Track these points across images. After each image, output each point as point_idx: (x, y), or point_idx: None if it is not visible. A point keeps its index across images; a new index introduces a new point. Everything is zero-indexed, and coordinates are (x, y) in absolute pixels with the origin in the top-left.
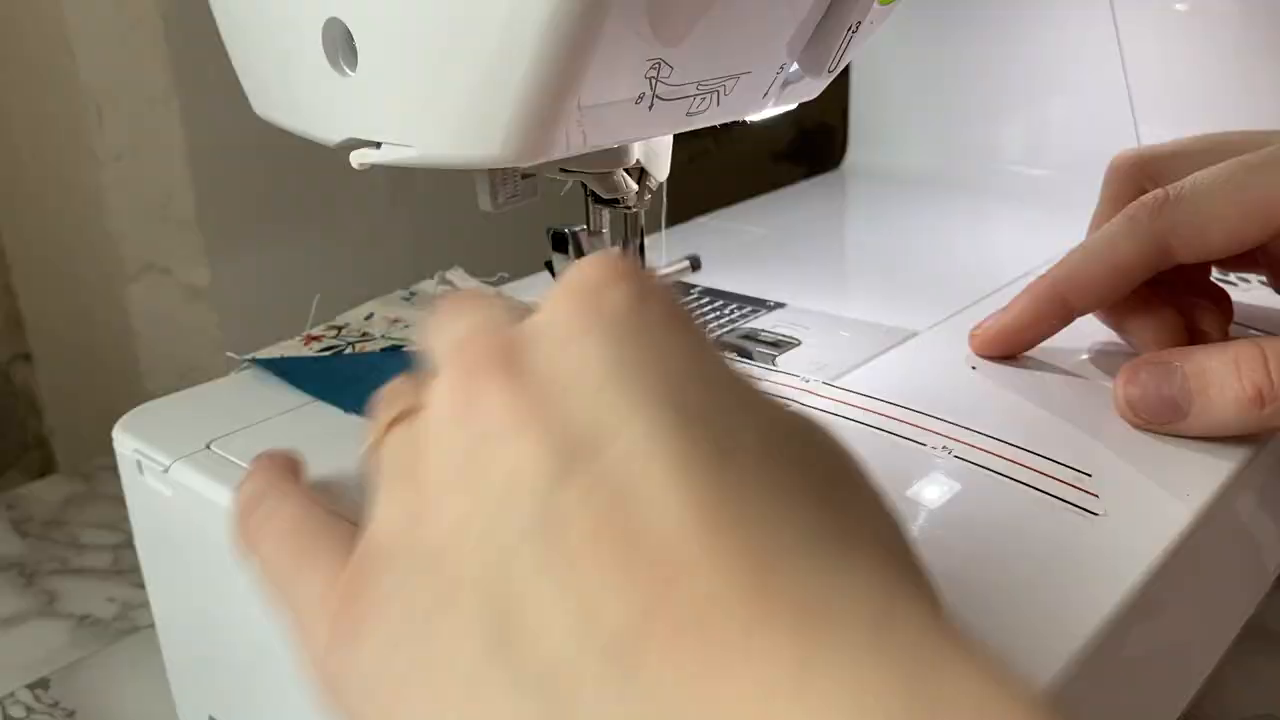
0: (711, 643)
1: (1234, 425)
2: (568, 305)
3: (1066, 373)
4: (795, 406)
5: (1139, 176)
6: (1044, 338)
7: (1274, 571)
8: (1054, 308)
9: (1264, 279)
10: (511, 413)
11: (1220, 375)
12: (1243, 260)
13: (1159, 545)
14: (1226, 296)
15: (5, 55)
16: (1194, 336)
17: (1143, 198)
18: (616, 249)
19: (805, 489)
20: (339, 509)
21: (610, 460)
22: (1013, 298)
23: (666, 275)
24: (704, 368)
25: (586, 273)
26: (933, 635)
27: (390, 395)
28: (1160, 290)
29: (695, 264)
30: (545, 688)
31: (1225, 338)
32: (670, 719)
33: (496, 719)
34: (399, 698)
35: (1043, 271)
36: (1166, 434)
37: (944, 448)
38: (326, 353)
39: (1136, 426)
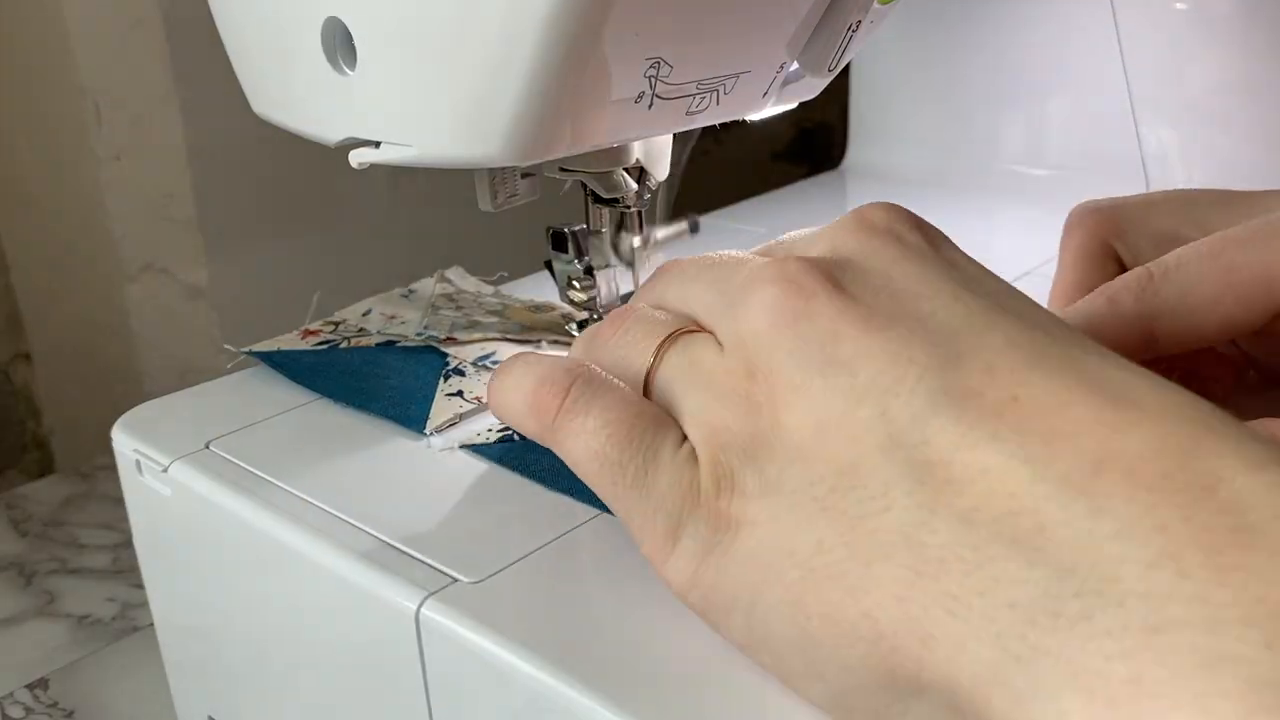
0: (1176, 489)
1: None
2: (874, 239)
3: None
4: None
5: (1102, 231)
6: None
7: None
8: None
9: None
10: (860, 316)
11: None
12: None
13: None
14: (1237, 356)
15: (5, 55)
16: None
17: (1124, 279)
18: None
19: (1170, 385)
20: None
21: (996, 348)
22: None
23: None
24: (1016, 294)
25: (880, 215)
26: None
27: (637, 321)
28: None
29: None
30: (1004, 524)
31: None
32: (1154, 545)
33: (951, 554)
34: (813, 570)
35: (1042, 270)
36: None
37: None
38: (322, 347)
39: None
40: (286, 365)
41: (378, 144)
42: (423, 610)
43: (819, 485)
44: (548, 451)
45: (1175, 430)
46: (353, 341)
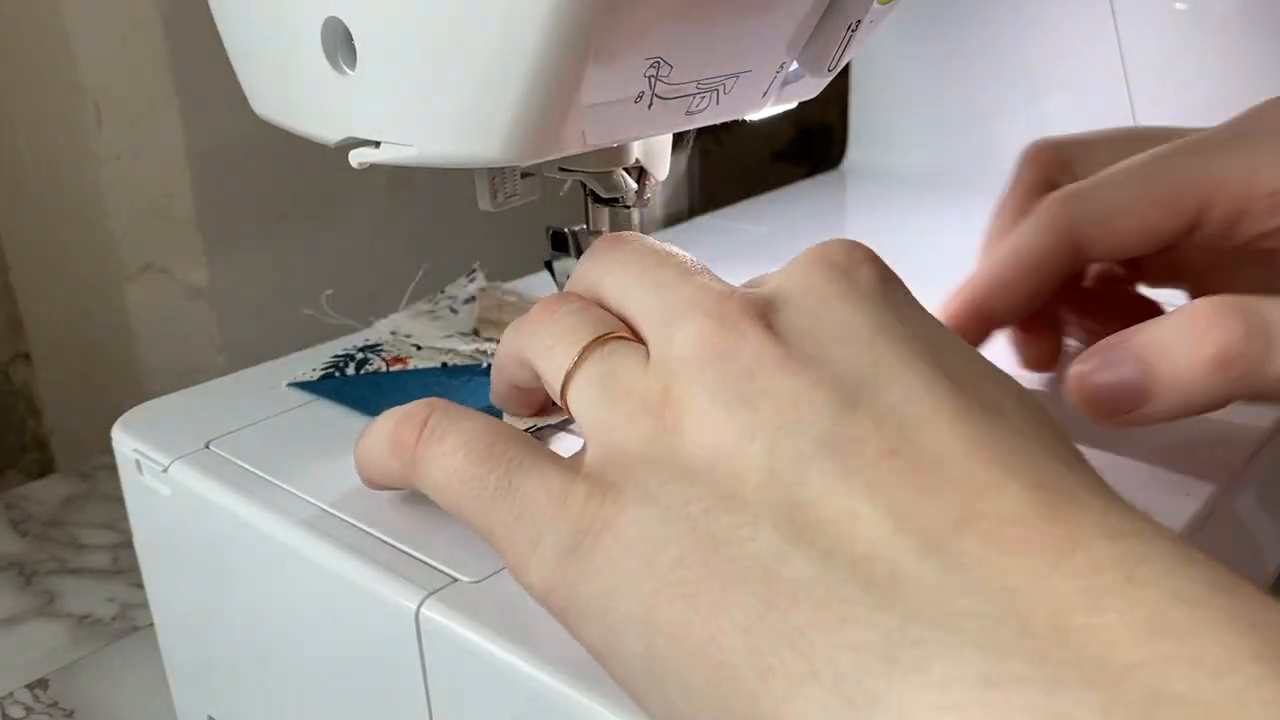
0: (1030, 550)
1: (1206, 397)
2: (820, 274)
3: (1063, 371)
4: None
5: (1050, 164)
6: None
7: (1274, 571)
8: (971, 324)
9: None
10: (779, 357)
11: (1174, 343)
12: (1163, 272)
13: None
14: (1158, 311)
15: (5, 55)
16: None
17: (1051, 195)
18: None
19: (1063, 451)
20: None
21: (892, 400)
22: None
23: None
24: (951, 341)
25: (834, 250)
26: (1225, 570)
27: (570, 315)
28: (1085, 311)
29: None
30: (859, 569)
31: None
32: (1001, 603)
33: (803, 590)
34: (669, 584)
35: None
36: (1141, 424)
37: None
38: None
39: (1102, 424)
40: (336, 391)
41: (378, 144)
42: (422, 610)
43: (694, 504)
44: None
45: (1043, 498)
46: (409, 361)
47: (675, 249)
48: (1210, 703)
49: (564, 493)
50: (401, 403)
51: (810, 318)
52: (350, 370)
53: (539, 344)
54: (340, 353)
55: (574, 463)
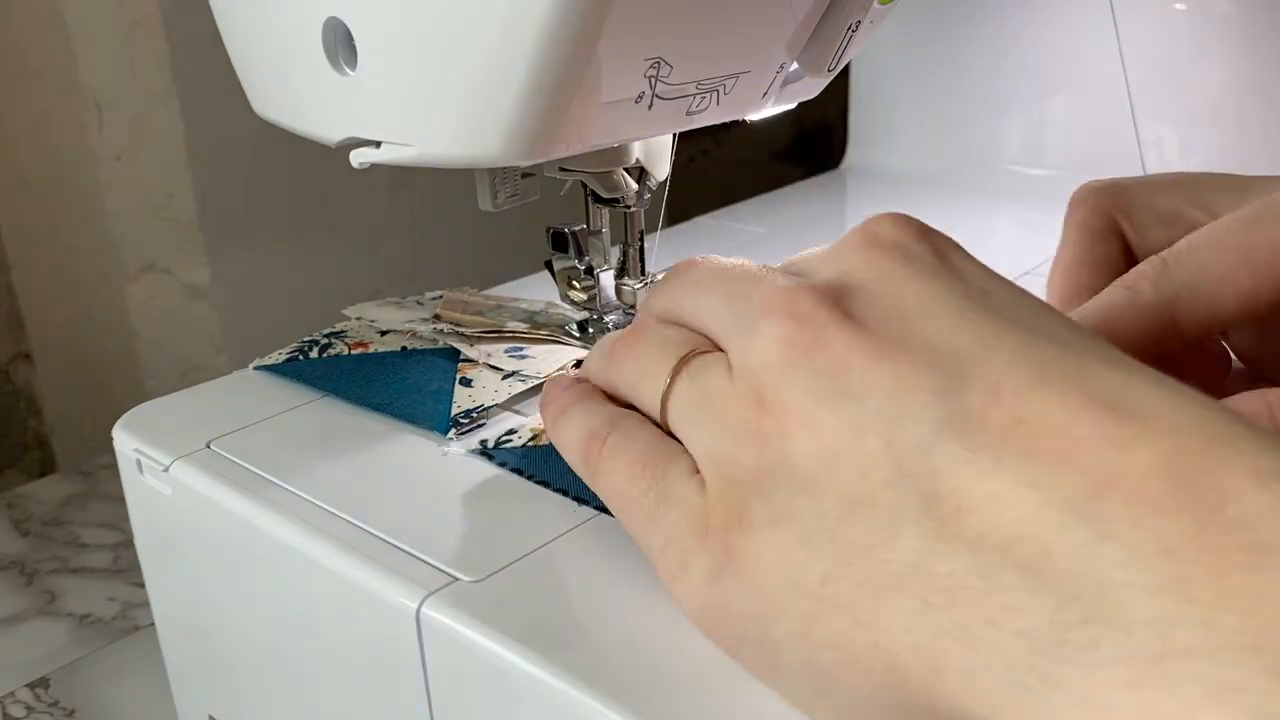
0: (1183, 507)
1: None
2: (882, 255)
3: None
4: None
5: (1107, 207)
6: None
7: None
8: None
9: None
10: (866, 346)
11: None
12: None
13: None
14: (1223, 353)
15: (5, 55)
16: None
17: (1140, 268)
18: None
19: (1176, 386)
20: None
21: (997, 371)
22: None
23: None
24: (1028, 302)
25: (887, 228)
26: None
27: (650, 341)
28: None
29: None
30: (1010, 552)
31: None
32: (1160, 569)
33: (959, 584)
34: (821, 600)
35: (1042, 270)
36: None
37: None
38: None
39: None
40: (298, 372)
41: (378, 144)
42: (423, 609)
43: (827, 516)
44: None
45: (1182, 444)
46: (366, 346)
47: (743, 260)
48: None
49: (702, 519)
50: (360, 385)
51: (887, 300)
52: (314, 354)
53: (630, 378)
54: (307, 339)
55: (700, 481)
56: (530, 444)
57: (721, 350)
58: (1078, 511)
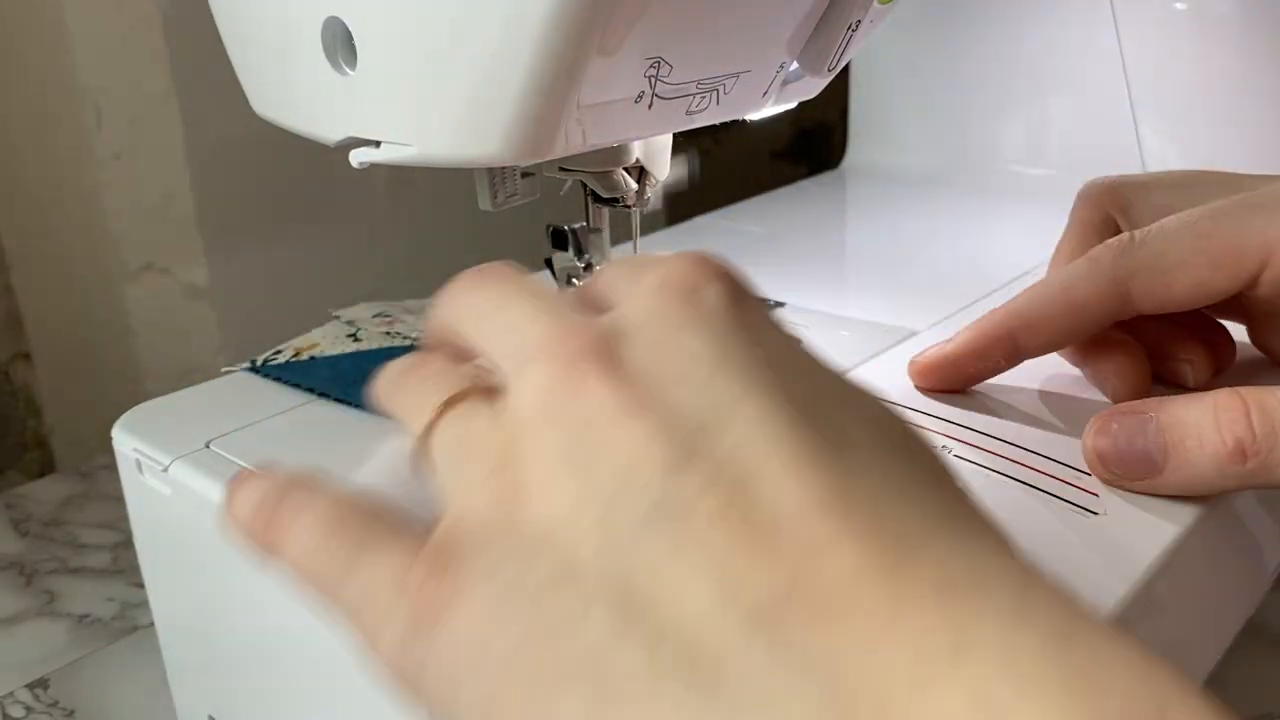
0: (859, 615)
1: (1213, 481)
2: (664, 301)
3: (1066, 372)
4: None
5: (1107, 204)
6: (988, 375)
7: (1274, 571)
8: (1001, 345)
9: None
10: (618, 404)
11: (1198, 427)
12: (1222, 307)
13: (1159, 544)
14: (1226, 338)
15: (5, 55)
16: (1174, 384)
17: (1108, 241)
18: (700, 252)
19: (919, 479)
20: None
21: (728, 447)
22: (962, 328)
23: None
24: (803, 362)
25: (679, 270)
26: (1073, 609)
27: (426, 375)
28: (1137, 331)
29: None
30: (686, 655)
31: (1208, 386)
32: (826, 685)
33: (631, 685)
34: (508, 676)
35: (1041, 273)
36: (1140, 491)
37: (943, 447)
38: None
39: (1106, 482)
40: (286, 374)
41: (378, 144)
42: None
43: (531, 583)
44: None
45: (878, 548)
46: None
47: (534, 282)
48: None
49: (404, 574)
50: (344, 384)
51: (653, 351)
52: (278, 359)
53: (405, 406)
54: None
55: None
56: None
57: (493, 386)
58: (758, 617)
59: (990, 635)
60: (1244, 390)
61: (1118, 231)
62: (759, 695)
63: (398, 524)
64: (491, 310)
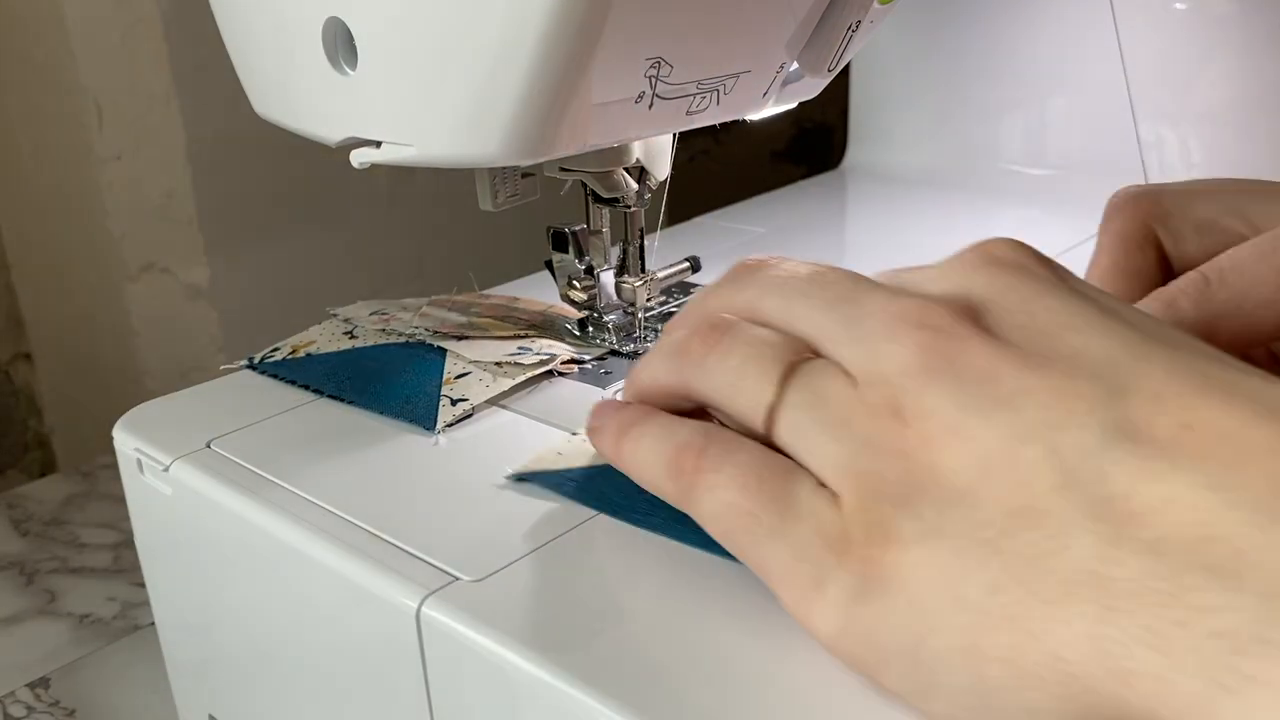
0: None
1: None
2: (1008, 273)
3: None
4: None
5: (1143, 216)
6: None
7: None
8: None
9: None
10: (1014, 356)
11: None
12: None
13: None
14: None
15: (5, 55)
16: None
17: (1178, 282)
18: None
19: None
20: None
21: (1157, 374)
22: None
23: (665, 277)
24: (1145, 316)
25: (1005, 250)
26: None
27: (749, 343)
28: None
29: (695, 265)
30: (1197, 553)
31: None
32: None
33: (1145, 586)
34: (987, 613)
35: None
36: None
37: None
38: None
39: None
40: (284, 371)
41: (378, 144)
42: (423, 609)
43: (987, 528)
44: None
45: None
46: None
47: (820, 264)
48: None
49: (841, 534)
50: (347, 384)
51: (1023, 315)
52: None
53: (719, 381)
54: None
55: (828, 495)
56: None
57: (823, 358)
58: (1267, 511)
59: None
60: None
61: (1157, 245)
62: None
63: (802, 478)
64: (801, 290)
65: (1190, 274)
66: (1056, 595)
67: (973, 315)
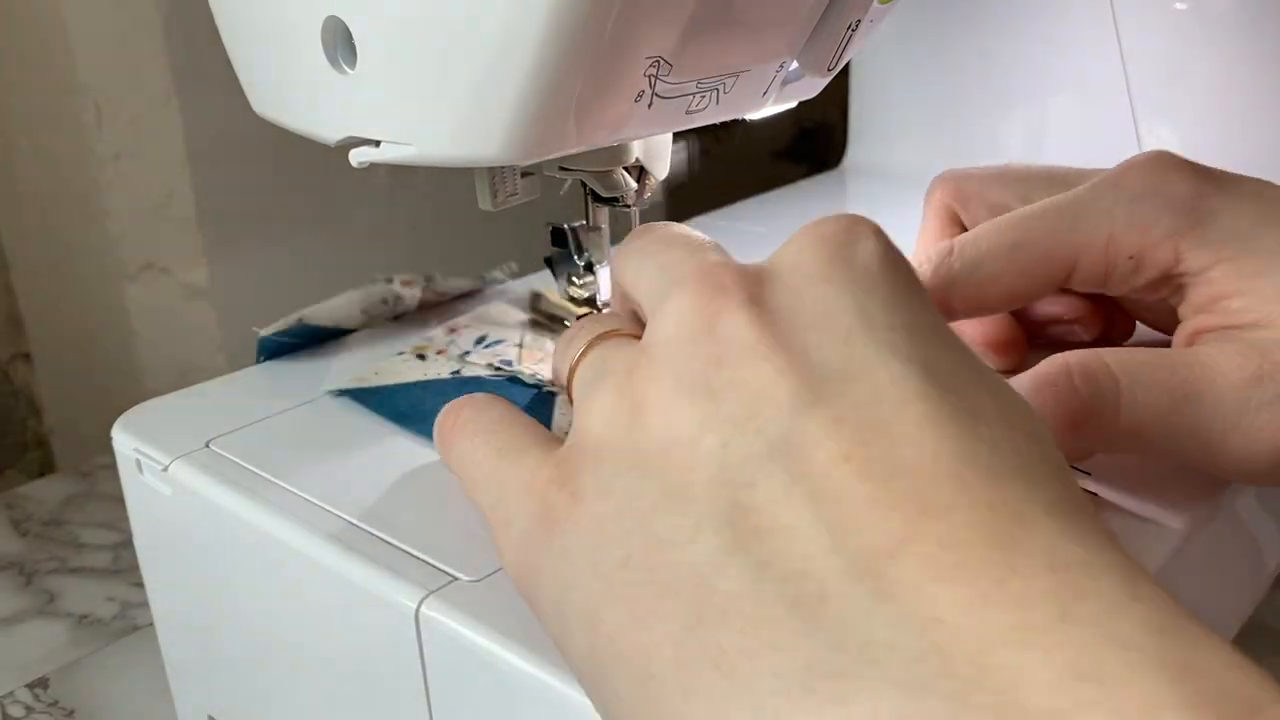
0: (967, 577)
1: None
2: (816, 250)
3: None
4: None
5: (948, 198)
6: None
7: (1274, 570)
8: None
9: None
10: (755, 339)
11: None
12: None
13: (1158, 544)
14: (1125, 319)
15: (5, 55)
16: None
17: (928, 250)
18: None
19: (1039, 462)
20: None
21: (858, 398)
22: None
23: None
24: (943, 333)
25: (836, 225)
26: (1176, 607)
27: (587, 322)
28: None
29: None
30: (789, 588)
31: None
32: (926, 639)
33: (733, 606)
34: (613, 585)
35: None
36: None
37: None
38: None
39: None
40: (381, 404)
41: (378, 143)
42: (422, 608)
43: (644, 499)
44: None
45: (991, 518)
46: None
47: (693, 232)
48: None
49: (532, 477)
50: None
51: (794, 297)
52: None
53: (561, 351)
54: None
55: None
56: None
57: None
58: (865, 565)
59: (1097, 614)
60: (1071, 356)
61: (960, 224)
62: (858, 638)
63: (544, 437)
64: (650, 254)
65: (942, 243)
66: (667, 589)
67: (753, 284)
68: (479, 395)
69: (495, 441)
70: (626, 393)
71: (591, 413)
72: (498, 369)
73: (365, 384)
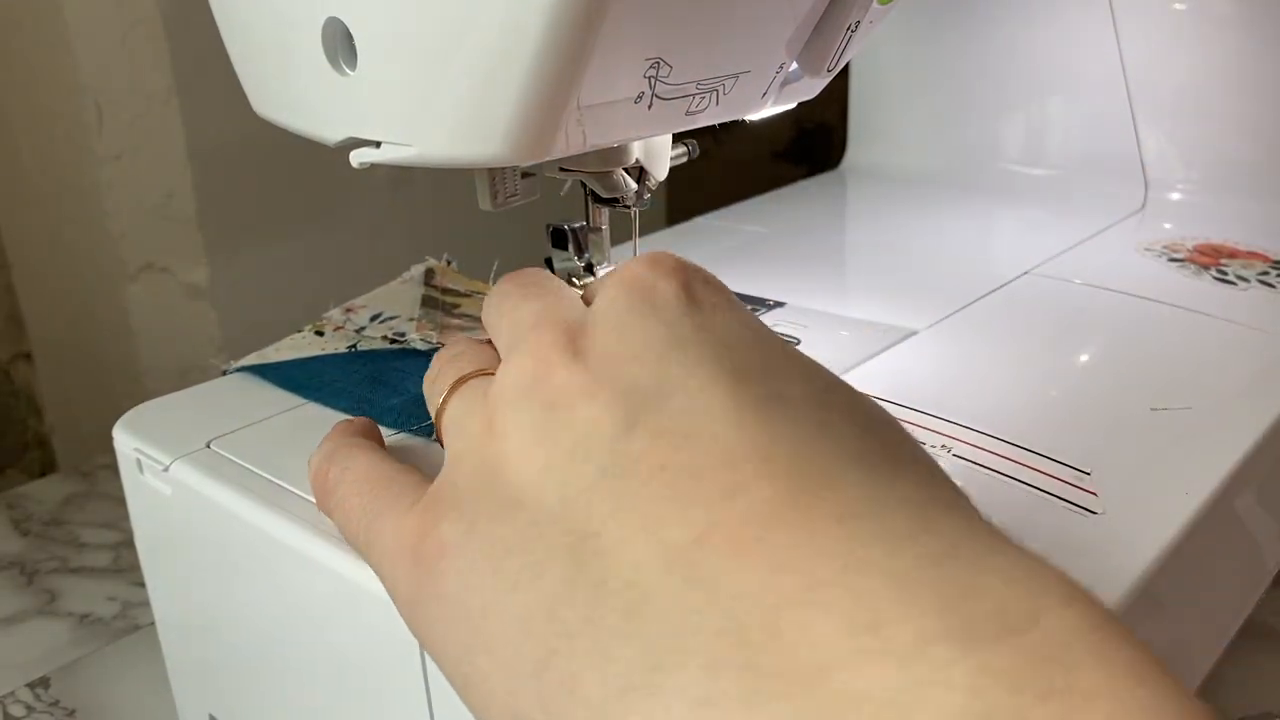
0: (765, 549)
1: None
2: (623, 293)
3: (1066, 370)
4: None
5: None
6: None
7: (1273, 568)
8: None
9: (1265, 278)
10: (580, 385)
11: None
12: None
13: (1158, 543)
14: None
15: (5, 55)
16: None
17: None
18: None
19: (849, 424)
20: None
21: (673, 408)
22: None
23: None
24: (751, 337)
25: (634, 269)
26: (967, 526)
27: (451, 360)
28: None
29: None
30: (622, 598)
31: None
32: (726, 614)
33: (581, 629)
34: (478, 634)
35: (1042, 270)
36: None
37: (943, 447)
38: (329, 352)
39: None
40: (280, 377)
41: (378, 144)
42: None
43: (497, 546)
44: None
45: (788, 486)
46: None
47: (551, 281)
48: (890, 699)
49: (400, 538)
50: (338, 392)
51: (610, 336)
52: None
53: (429, 387)
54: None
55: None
56: None
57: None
58: (675, 557)
59: (878, 556)
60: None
61: None
62: (670, 628)
63: (411, 483)
64: (505, 313)
65: None
66: (521, 629)
67: (573, 341)
68: (342, 441)
69: (364, 503)
70: (484, 445)
71: (459, 462)
72: (393, 340)
73: (266, 360)
